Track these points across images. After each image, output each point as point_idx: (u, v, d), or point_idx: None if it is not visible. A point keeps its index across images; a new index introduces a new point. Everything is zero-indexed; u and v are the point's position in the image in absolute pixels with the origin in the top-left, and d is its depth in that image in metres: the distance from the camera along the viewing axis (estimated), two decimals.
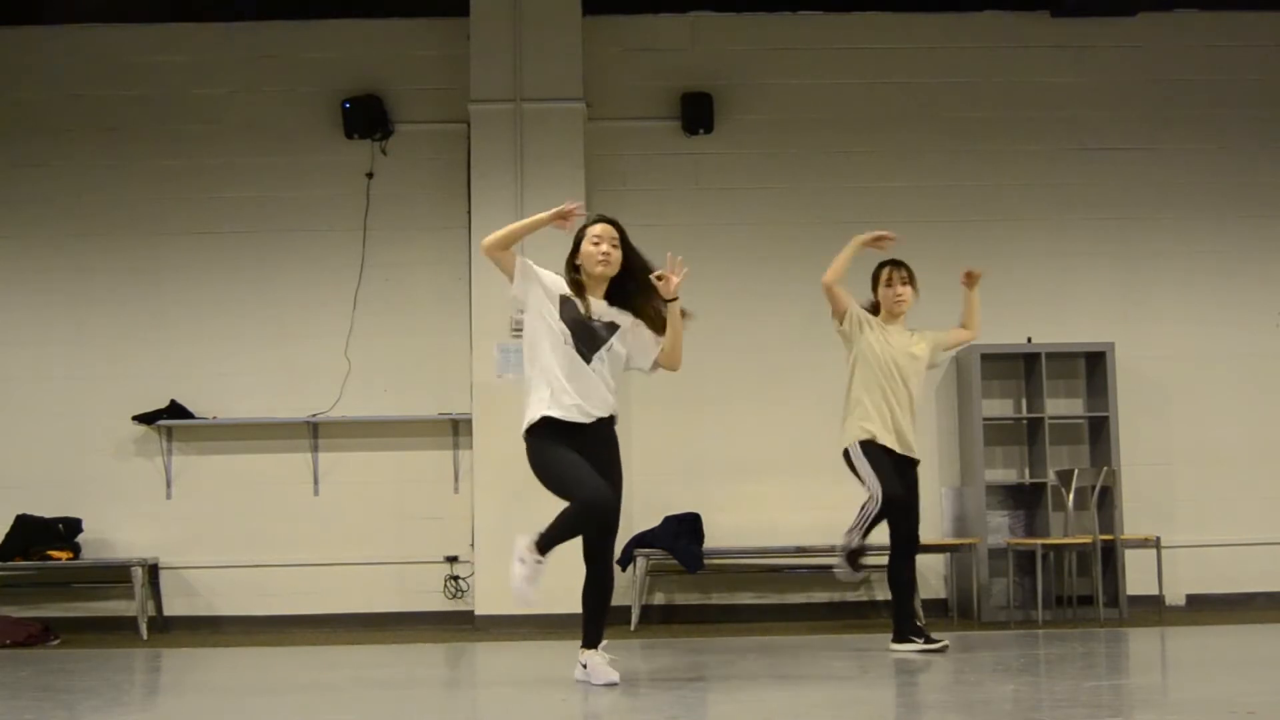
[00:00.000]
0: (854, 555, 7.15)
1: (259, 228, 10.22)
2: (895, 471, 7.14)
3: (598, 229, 6.01)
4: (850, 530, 7.14)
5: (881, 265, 7.40)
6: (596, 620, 6.01)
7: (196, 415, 9.98)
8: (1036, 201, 10.33)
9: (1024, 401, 10.19)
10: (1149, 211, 10.34)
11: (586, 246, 6.01)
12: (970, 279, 7.53)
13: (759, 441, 9.97)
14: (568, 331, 5.88)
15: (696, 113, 10.15)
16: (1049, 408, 9.91)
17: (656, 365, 6.17)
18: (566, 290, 5.99)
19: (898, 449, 7.19)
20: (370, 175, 10.23)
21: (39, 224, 10.24)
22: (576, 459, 5.76)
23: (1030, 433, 10.12)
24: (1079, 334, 10.02)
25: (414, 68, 10.31)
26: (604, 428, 5.96)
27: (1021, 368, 10.18)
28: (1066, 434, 10.06)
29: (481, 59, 9.93)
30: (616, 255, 6.02)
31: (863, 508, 7.14)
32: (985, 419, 9.79)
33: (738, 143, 10.30)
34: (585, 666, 5.95)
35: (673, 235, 10.14)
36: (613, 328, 6.02)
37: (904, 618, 7.25)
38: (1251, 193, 10.37)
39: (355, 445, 10.04)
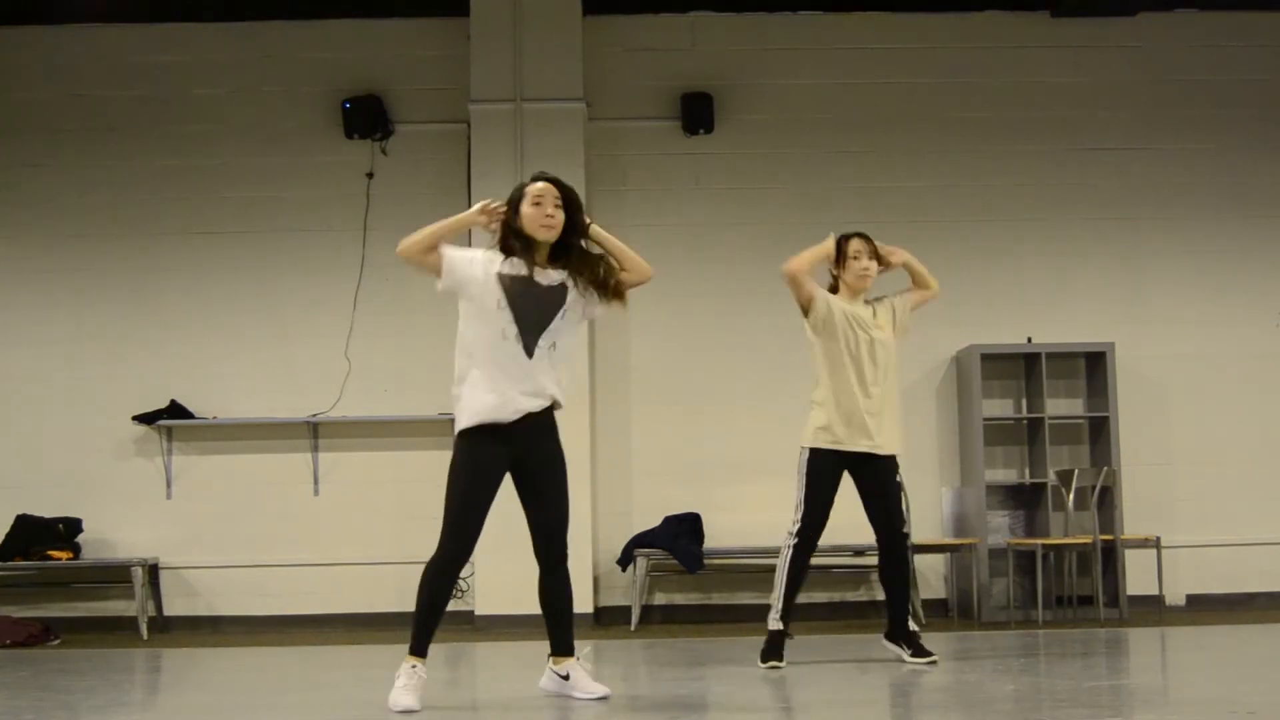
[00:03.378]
0: (772, 644, 6.54)
1: (259, 228, 10.22)
2: (832, 492, 6.57)
3: (538, 187, 5.45)
4: (773, 598, 6.57)
5: (845, 237, 6.78)
6: (567, 626, 5.60)
7: (196, 415, 9.98)
8: (1037, 201, 10.33)
9: (1024, 401, 10.19)
10: (1149, 211, 10.34)
11: (527, 208, 5.44)
12: (886, 264, 6.87)
13: (759, 441, 9.96)
14: (510, 314, 5.35)
15: (696, 113, 10.15)
16: (1049, 408, 9.91)
17: (614, 293, 5.53)
18: (501, 263, 5.46)
19: (860, 446, 6.55)
20: (370, 175, 10.23)
21: (39, 224, 10.24)
22: (479, 500, 5.35)
23: (1030, 433, 10.11)
24: (1079, 334, 10.02)
25: (414, 68, 10.31)
26: (542, 420, 5.45)
27: (1022, 368, 10.18)
28: (1067, 434, 10.06)
29: (481, 59, 9.93)
30: (560, 217, 5.43)
31: (779, 557, 6.60)
32: (985, 419, 9.79)
33: (738, 143, 10.30)
34: (567, 678, 5.55)
35: (673, 235, 10.19)
36: (562, 293, 5.45)
37: (897, 618, 6.78)
38: (1251, 193, 10.37)
39: (355, 445, 10.04)
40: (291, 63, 10.36)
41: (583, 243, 5.54)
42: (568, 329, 5.49)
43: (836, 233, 6.78)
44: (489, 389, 5.37)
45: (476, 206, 5.56)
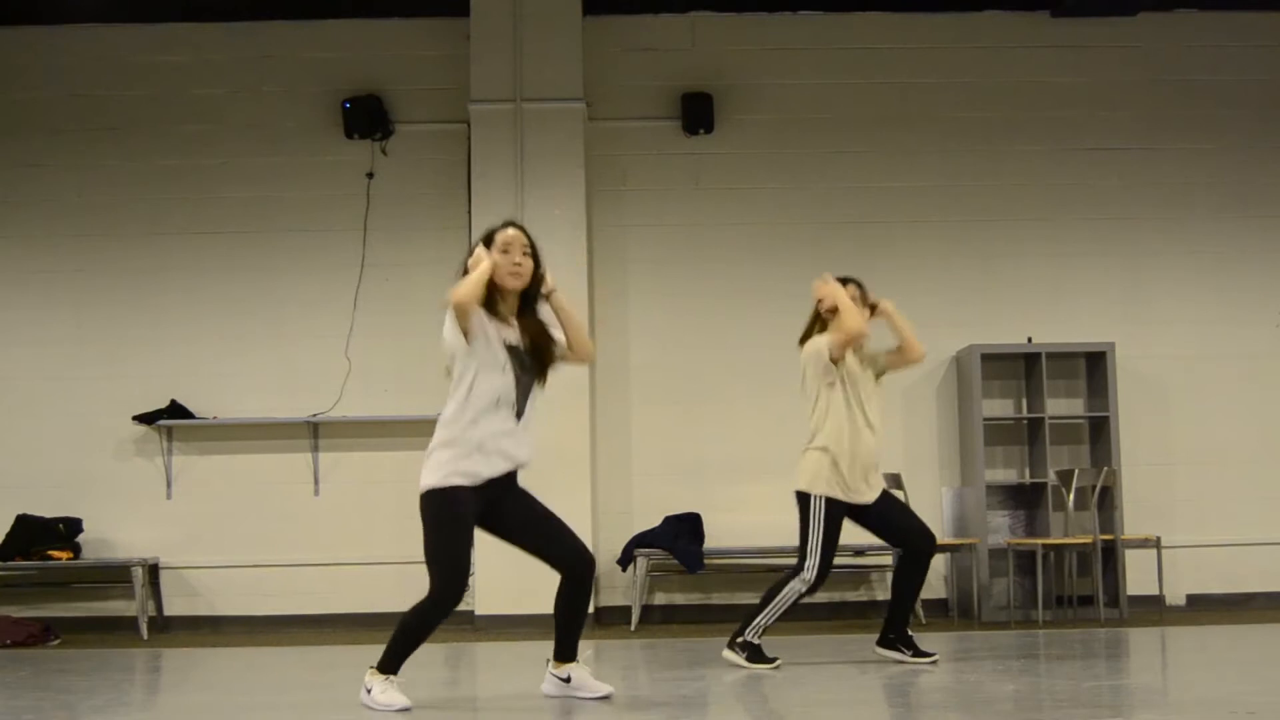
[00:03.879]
0: (758, 651, 6.60)
1: (259, 228, 10.22)
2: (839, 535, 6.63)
3: (508, 234, 5.44)
4: (760, 616, 6.62)
5: (842, 282, 6.87)
6: (575, 633, 5.59)
7: (197, 415, 9.98)
8: (1037, 201, 10.33)
9: (1024, 401, 10.19)
10: (1149, 211, 10.34)
11: (496, 256, 5.42)
12: (875, 311, 6.94)
13: (759, 441, 9.96)
14: (512, 379, 5.34)
15: (696, 113, 10.15)
16: (1049, 408, 9.91)
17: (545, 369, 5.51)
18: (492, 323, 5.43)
19: (865, 497, 6.65)
20: (370, 175, 10.23)
21: (39, 224, 10.24)
22: (466, 543, 5.37)
23: (1030, 433, 10.12)
24: (1079, 334, 10.02)
25: (414, 68, 10.31)
26: (509, 480, 5.45)
27: (1022, 368, 10.18)
28: (1067, 434, 10.06)
29: (481, 59, 9.93)
30: (529, 265, 5.43)
31: (785, 584, 6.61)
32: (985, 419, 9.79)
33: (738, 143, 10.30)
34: (568, 680, 5.56)
35: (672, 235, 10.20)
36: (534, 360, 5.46)
37: (899, 622, 6.81)
38: (1251, 193, 10.37)
39: (355, 445, 10.04)
40: (291, 63, 10.36)
41: (538, 303, 5.52)
42: (538, 391, 5.51)
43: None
44: (480, 452, 5.34)
45: (485, 262, 5.44)
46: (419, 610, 5.41)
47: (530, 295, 5.51)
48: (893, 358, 6.95)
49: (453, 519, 5.35)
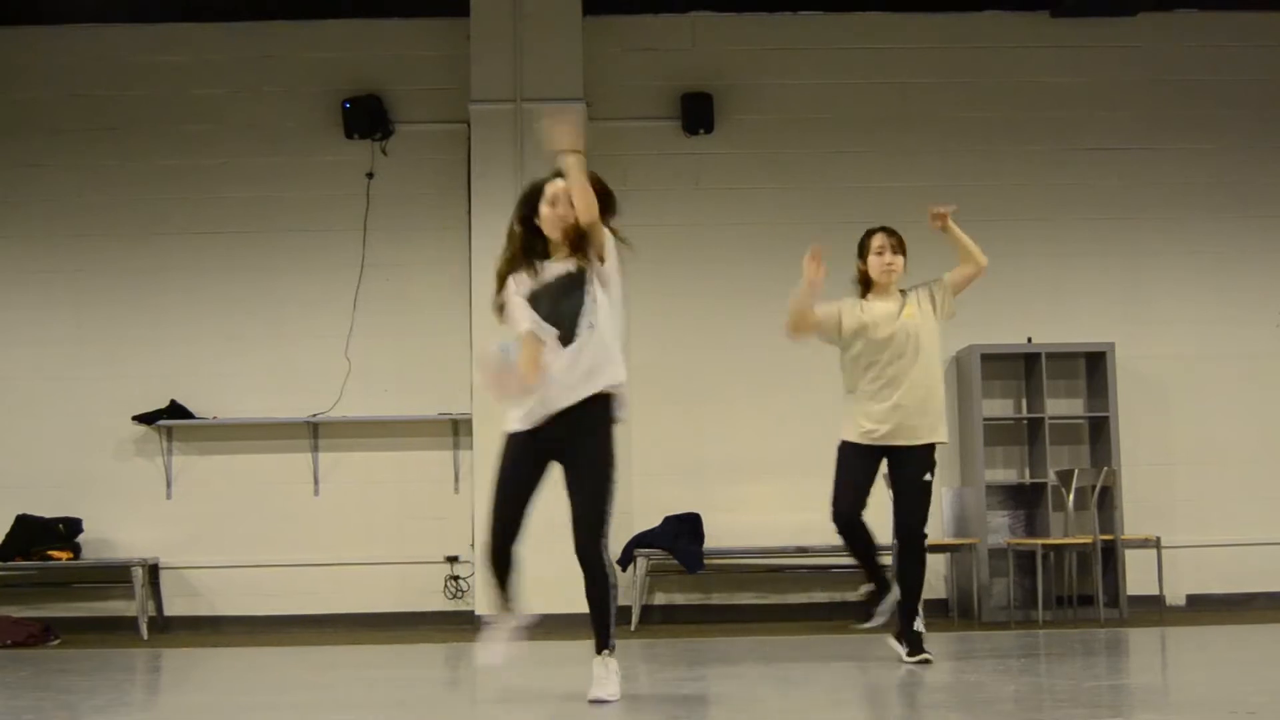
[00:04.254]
0: (874, 598, 6.72)
1: (259, 228, 10.22)
2: (862, 479, 6.70)
3: (555, 189, 5.47)
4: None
5: (871, 232, 6.89)
6: (594, 623, 5.53)
7: (197, 415, 9.98)
8: (1036, 201, 10.33)
9: (1024, 401, 10.19)
10: (1149, 211, 10.34)
11: (543, 209, 5.49)
12: (937, 218, 6.95)
13: (759, 441, 9.97)
14: (539, 315, 5.38)
15: (697, 113, 10.15)
16: (1049, 408, 9.91)
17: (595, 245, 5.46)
18: (520, 282, 5.48)
19: (891, 439, 6.69)
20: (370, 175, 10.23)
21: (39, 224, 10.24)
22: (505, 487, 5.44)
23: (1030, 433, 10.11)
24: (1079, 334, 10.02)
25: (414, 68, 10.31)
26: (585, 413, 5.38)
27: (1022, 368, 10.18)
28: (1067, 434, 10.06)
29: (481, 59, 9.93)
30: (570, 212, 5.44)
31: None
32: (985, 419, 9.79)
33: (738, 143, 10.30)
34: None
35: (673, 235, 10.19)
36: (578, 276, 5.44)
37: (902, 617, 6.79)
38: (1251, 193, 10.36)
39: (355, 445, 10.04)
40: (291, 63, 10.36)
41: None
42: (595, 307, 5.42)
43: (816, 246, 6.66)
44: (529, 399, 5.39)
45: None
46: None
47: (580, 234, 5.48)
48: (955, 276, 7.07)
49: (501, 463, 5.48)
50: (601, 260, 5.47)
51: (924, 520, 6.76)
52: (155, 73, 10.34)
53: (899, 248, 6.86)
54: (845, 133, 10.35)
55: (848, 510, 6.66)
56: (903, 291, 6.89)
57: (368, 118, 10.11)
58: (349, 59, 10.30)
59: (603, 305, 5.47)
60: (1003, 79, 10.41)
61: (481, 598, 9.52)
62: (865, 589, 6.82)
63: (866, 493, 6.74)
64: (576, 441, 5.41)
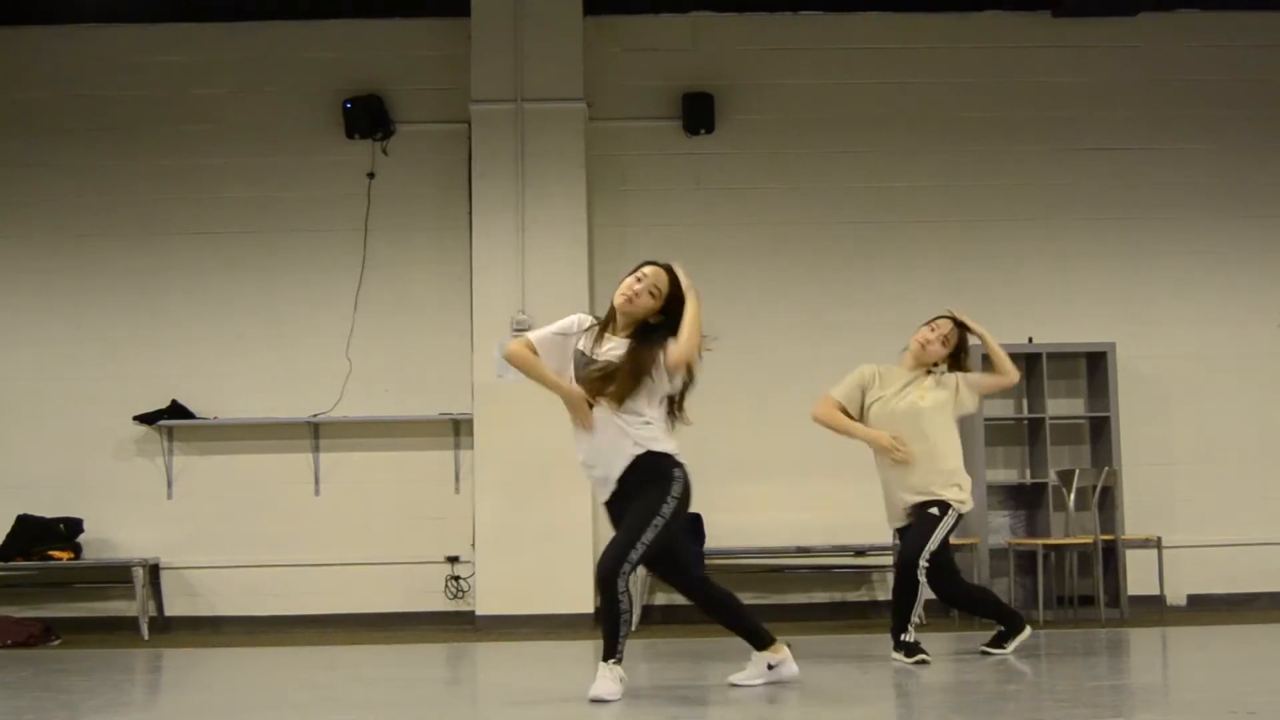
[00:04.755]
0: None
1: (260, 228, 10.22)
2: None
3: (645, 269, 5.86)
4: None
5: (938, 316, 7.29)
6: (604, 635, 5.68)
7: (197, 415, 9.98)
8: (1037, 201, 10.33)
9: (1025, 401, 10.18)
10: (1149, 211, 10.34)
11: (628, 278, 5.85)
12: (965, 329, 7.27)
13: (759, 441, 9.97)
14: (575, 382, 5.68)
15: (697, 113, 10.15)
16: (1050, 408, 9.91)
17: (673, 372, 5.98)
18: (587, 328, 5.80)
19: (903, 520, 7.01)
20: (371, 175, 10.23)
21: (39, 224, 10.24)
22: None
23: (1031, 433, 10.11)
24: (1080, 334, 10.02)
25: (415, 68, 10.31)
26: (633, 476, 5.74)
27: (1022, 368, 10.15)
28: (1067, 434, 10.05)
29: (482, 59, 9.93)
30: (644, 301, 5.79)
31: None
32: (986, 419, 9.77)
33: (738, 143, 10.30)
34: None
35: (673, 235, 10.18)
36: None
37: (896, 627, 6.96)
38: (1251, 193, 10.36)
39: (356, 445, 10.04)
40: (291, 63, 10.36)
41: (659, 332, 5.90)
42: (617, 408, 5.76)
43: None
44: (584, 458, 5.82)
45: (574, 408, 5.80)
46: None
47: (650, 329, 5.86)
48: (985, 381, 7.36)
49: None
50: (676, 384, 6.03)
51: (919, 550, 6.85)
52: (155, 73, 10.34)
53: (947, 339, 7.19)
54: (845, 133, 10.34)
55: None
56: (929, 372, 7.20)
57: (368, 118, 10.11)
58: (349, 59, 10.30)
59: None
60: (1003, 79, 10.40)
61: (482, 598, 9.52)
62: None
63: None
64: (630, 487, 5.76)
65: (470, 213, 9.89)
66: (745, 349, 10.09)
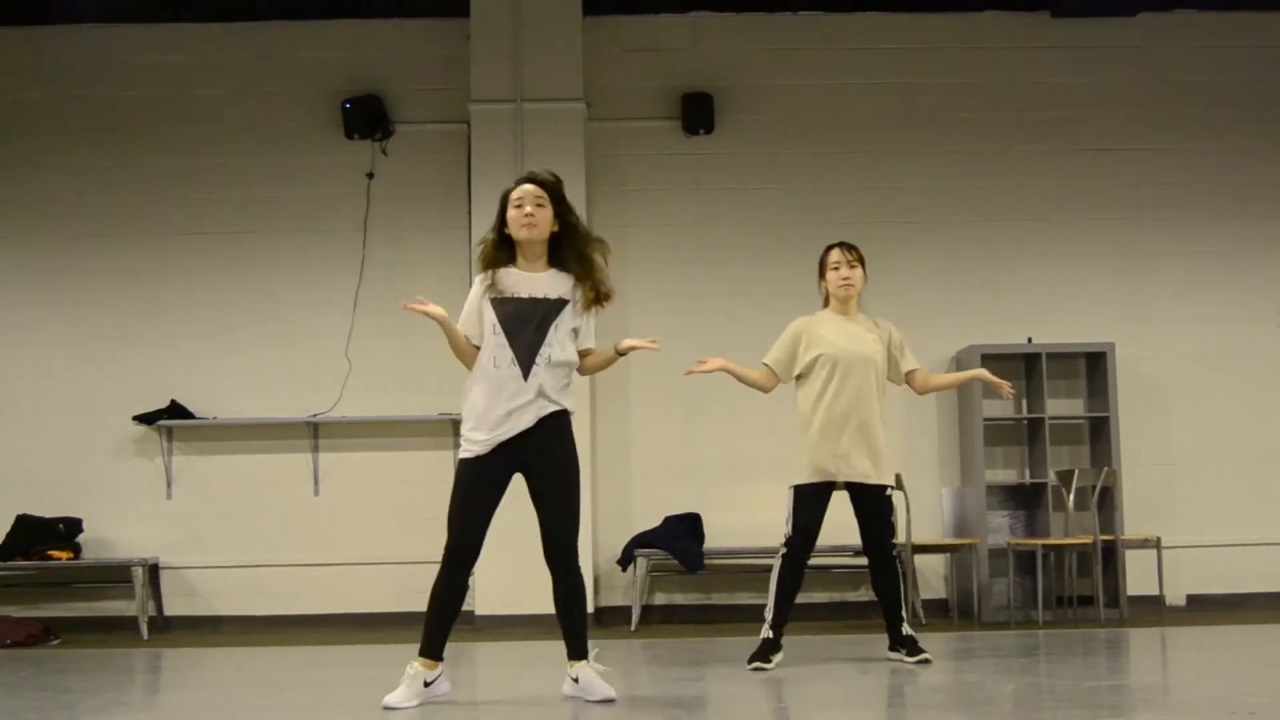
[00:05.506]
0: (766, 648, 6.60)
1: (259, 228, 10.22)
2: (821, 510, 6.70)
3: (518, 191, 5.57)
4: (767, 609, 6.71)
5: (829, 247, 6.86)
6: (577, 630, 5.59)
7: (197, 415, 9.98)
8: (1037, 201, 10.33)
9: (1024, 402, 10.19)
10: (1149, 211, 10.35)
11: (510, 211, 5.58)
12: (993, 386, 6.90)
13: (759, 441, 9.96)
14: (504, 338, 5.50)
15: (697, 113, 10.15)
16: (1049, 408, 9.91)
17: (601, 299, 5.70)
18: (490, 286, 5.56)
19: (850, 476, 6.61)
20: (370, 175, 10.24)
21: (39, 224, 10.24)
22: (476, 506, 5.54)
23: (1030, 433, 10.12)
24: (1079, 334, 10.02)
25: (414, 68, 10.31)
26: (549, 425, 5.58)
27: (1022, 368, 10.18)
28: (1067, 434, 10.06)
29: (482, 59, 9.94)
30: (543, 214, 5.56)
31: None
32: (985, 419, 9.79)
33: (738, 143, 10.31)
34: (577, 680, 5.53)
35: (673, 235, 10.20)
36: (559, 305, 5.58)
37: (892, 625, 6.84)
38: (1251, 193, 10.37)
39: (355, 445, 10.04)
40: (291, 63, 10.36)
41: (574, 230, 5.75)
42: (559, 343, 5.60)
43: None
44: (485, 415, 5.59)
45: (428, 309, 5.66)
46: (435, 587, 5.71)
47: (559, 243, 5.67)
48: (910, 373, 6.96)
49: (462, 486, 5.61)
50: (601, 299, 5.67)
51: (892, 535, 6.89)
52: (155, 73, 10.35)
53: (857, 261, 6.82)
54: (845, 133, 10.35)
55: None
56: (874, 322, 6.88)
57: (368, 118, 10.12)
58: (349, 59, 10.30)
59: (566, 342, 5.63)
60: (1003, 79, 10.41)
61: (482, 597, 9.53)
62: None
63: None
64: (540, 459, 5.58)
65: (470, 213, 9.90)
66: (745, 348, 10.04)
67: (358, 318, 10.11)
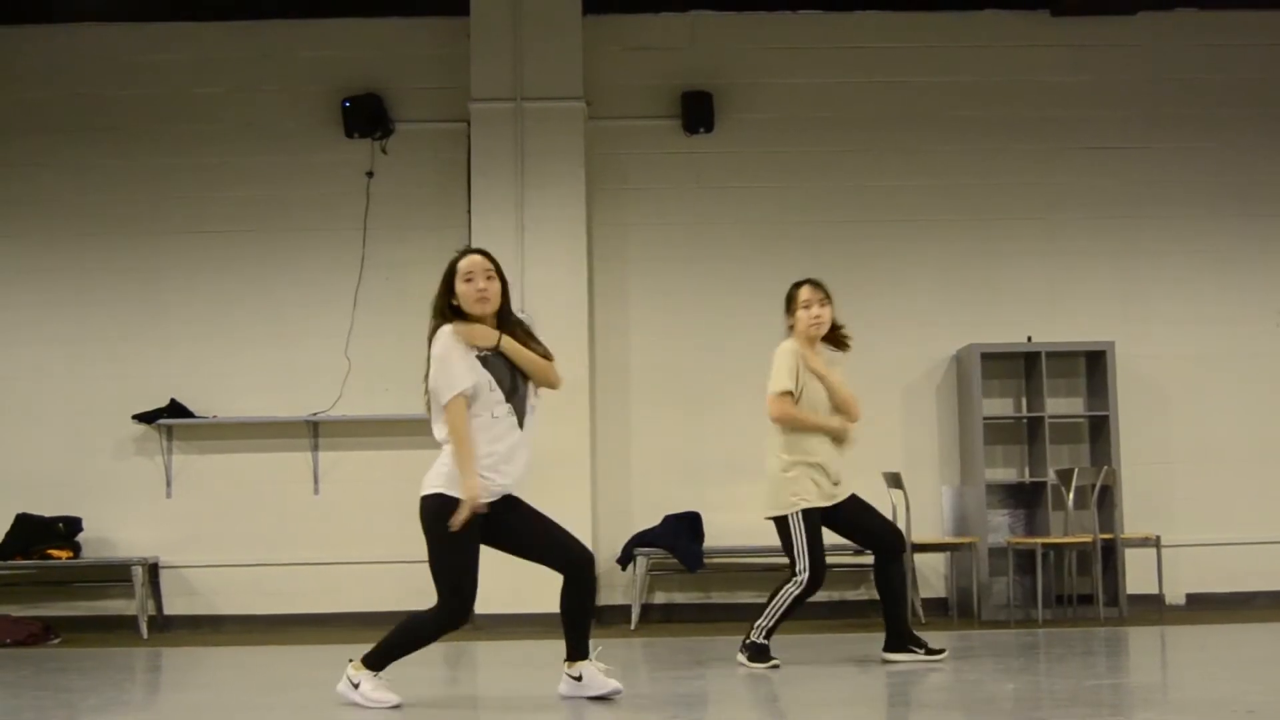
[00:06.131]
0: (761, 651, 6.65)
1: (259, 227, 10.22)
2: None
3: (465, 263, 5.54)
4: (763, 618, 6.68)
5: (798, 285, 6.94)
6: (584, 631, 5.60)
7: (197, 414, 9.99)
8: (1036, 200, 10.33)
9: (1024, 400, 10.19)
10: (1149, 210, 10.35)
11: (460, 285, 5.53)
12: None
13: (759, 440, 9.92)
14: (500, 393, 5.46)
15: (696, 111, 10.15)
16: (1049, 407, 9.91)
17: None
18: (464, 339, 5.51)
19: (836, 498, 6.82)
20: (370, 174, 10.24)
21: (39, 223, 10.24)
22: (473, 556, 5.49)
23: (1030, 432, 10.12)
24: (1079, 333, 10.03)
25: (414, 67, 10.31)
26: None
27: (1022, 367, 10.19)
28: (1066, 433, 10.06)
29: (481, 58, 9.94)
30: (495, 288, 5.53)
31: (781, 589, 6.72)
32: (985, 418, 9.79)
33: (738, 141, 10.31)
34: (579, 679, 5.57)
35: (672, 234, 10.20)
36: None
37: (900, 625, 6.83)
38: (1251, 192, 10.37)
39: (355, 444, 10.04)
40: (291, 62, 10.36)
41: (515, 313, 5.71)
42: (530, 392, 5.62)
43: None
44: (507, 459, 5.49)
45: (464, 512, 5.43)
46: (425, 625, 5.52)
47: (505, 315, 5.61)
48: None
49: (460, 536, 5.45)
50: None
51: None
52: (155, 72, 10.34)
53: (826, 299, 6.92)
54: (845, 131, 10.35)
55: None
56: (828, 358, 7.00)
57: (368, 117, 10.12)
58: (349, 58, 10.30)
59: (530, 394, 5.61)
60: (1002, 77, 10.41)
61: (482, 596, 9.51)
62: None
63: None
64: (509, 509, 5.57)
65: (469, 211, 9.90)
66: (744, 347, 10.09)
67: (357, 316, 10.11)
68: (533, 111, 9.87)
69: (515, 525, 5.58)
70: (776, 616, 6.67)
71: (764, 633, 6.67)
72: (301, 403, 10.02)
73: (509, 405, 5.49)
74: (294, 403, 10.03)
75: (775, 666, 6.56)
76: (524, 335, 5.63)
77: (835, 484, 6.80)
